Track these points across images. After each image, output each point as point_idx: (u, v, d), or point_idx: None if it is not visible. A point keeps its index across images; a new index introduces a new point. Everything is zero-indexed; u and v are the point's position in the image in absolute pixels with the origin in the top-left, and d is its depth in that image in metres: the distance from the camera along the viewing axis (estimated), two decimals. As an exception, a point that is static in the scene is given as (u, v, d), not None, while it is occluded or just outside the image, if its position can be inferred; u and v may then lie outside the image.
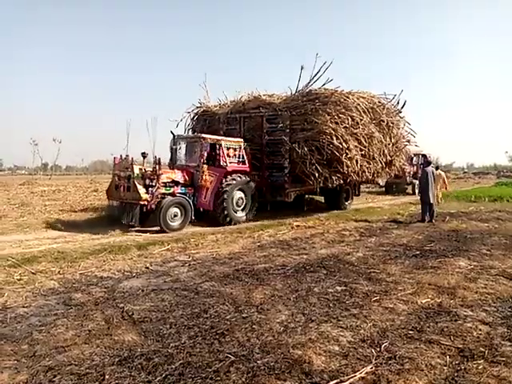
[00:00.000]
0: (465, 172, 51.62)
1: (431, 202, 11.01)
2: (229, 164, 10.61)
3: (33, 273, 5.66)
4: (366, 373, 3.06)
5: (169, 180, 9.70)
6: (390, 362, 3.26)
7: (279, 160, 11.67)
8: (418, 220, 11.28)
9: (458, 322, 4.12)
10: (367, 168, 12.37)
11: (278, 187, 11.66)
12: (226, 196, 10.16)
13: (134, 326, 3.90)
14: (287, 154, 11.43)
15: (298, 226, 10.06)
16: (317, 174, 11.16)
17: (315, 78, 11.86)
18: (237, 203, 10.62)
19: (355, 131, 11.68)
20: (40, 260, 6.28)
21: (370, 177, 13.04)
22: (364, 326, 3.98)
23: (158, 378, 2.96)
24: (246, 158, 11.11)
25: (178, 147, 11.23)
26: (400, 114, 14.39)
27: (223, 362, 3.20)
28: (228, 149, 10.72)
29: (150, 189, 9.15)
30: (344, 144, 11.18)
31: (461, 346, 3.57)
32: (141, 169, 9.32)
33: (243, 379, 2.95)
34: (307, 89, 11.95)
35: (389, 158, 13.41)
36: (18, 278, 5.43)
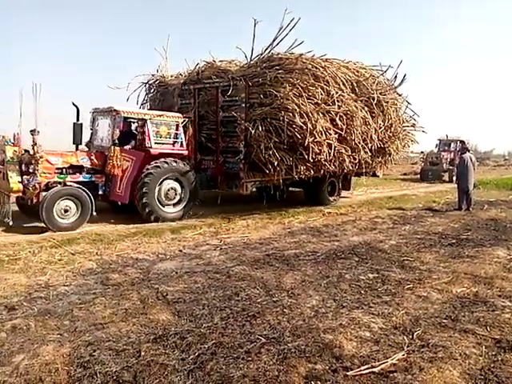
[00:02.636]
0: (506, 159, 49.26)
1: (469, 189, 10.64)
2: (154, 145, 8.38)
3: (72, 253, 5.93)
4: (398, 359, 3.04)
5: (66, 165, 7.75)
6: (422, 349, 3.22)
7: (235, 143, 9.47)
8: (454, 208, 10.92)
9: (495, 312, 4.00)
10: (348, 156, 9.96)
11: (233, 176, 9.56)
12: (145, 187, 8.04)
13: (168, 306, 4.03)
14: (243, 135, 9.13)
15: (329, 212, 9.98)
16: (275, 162, 8.89)
17: (278, 39, 9.26)
18: (167, 196, 8.48)
19: (328, 108, 9.37)
20: (79, 241, 6.55)
21: (354, 167, 10.54)
22: (396, 313, 3.94)
23: (192, 357, 3.06)
24: (183, 138, 8.96)
25: (96, 124, 9.09)
26: (397, 91, 11.65)
27: (254, 343, 3.26)
28: (158, 126, 8.54)
29: (25, 177, 7.28)
30: (309, 124, 8.82)
31: (498, 336, 3.48)
32: (16, 151, 7.36)
33: (274, 361, 3.00)
34: (268, 53, 9.46)
35: (379, 144, 10.78)
36: (59, 258, 5.71)
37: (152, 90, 11.55)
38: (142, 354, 3.09)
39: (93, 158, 8.13)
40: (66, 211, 7.38)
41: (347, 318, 3.80)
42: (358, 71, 10.58)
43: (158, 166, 8.22)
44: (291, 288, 4.61)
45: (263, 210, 9.89)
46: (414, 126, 12.47)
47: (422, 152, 23.56)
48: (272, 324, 3.65)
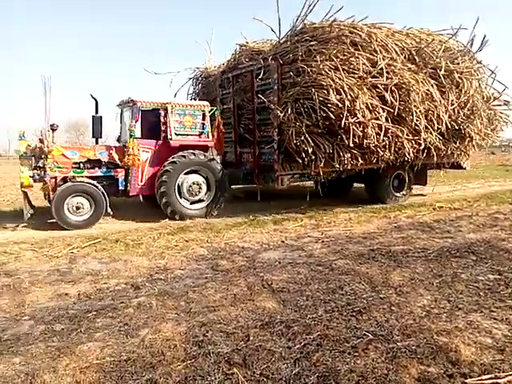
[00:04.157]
0: None
1: None
2: (174, 136, 7.98)
3: (186, 240, 6.43)
4: (528, 373, 2.72)
5: (83, 159, 7.62)
6: (559, 364, 2.83)
7: (269, 131, 8.53)
8: None
9: None
10: (409, 141, 8.38)
11: (268, 169, 8.63)
12: (165, 176, 7.71)
13: (274, 295, 4.14)
14: (276, 121, 8.16)
15: (440, 207, 9.25)
16: (309, 149, 7.70)
17: (311, 6, 7.94)
18: (189, 191, 8.02)
19: (374, 82, 7.89)
20: (191, 230, 7.09)
21: (420, 155, 8.84)
22: (524, 320, 3.52)
23: (297, 346, 3.11)
24: (209, 128, 8.40)
25: (123, 116, 8.82)
26: (477, 58, 9.36)
27: (361, 339, 3.19)
28: (181, 116, 8.08)
29: (35, 171, 7.29)
30: (347, 101, 7.46)
31: None
32: (29, 146, 7.34)
33: (382, 358, 2.91)
34: (301, 23, 8.24)
35: (452, 125, 8.94)
36: (175, 244, 6.24)
37: (197, 83, 11.38)
38: (251, 338, 3.23)
39: (112, 152, 7.86)
40: (77, 208, 7.27)
41: (464, 321, 3.50)
42: (418, 37, 8.93)
43: (184, 156, 7.89)
44: (399, 285, 4.40)
45: (366, 203, 9.55)
46: (506, 103, 10.26)
47: (555, 139, 20.54)
48: (379, 321, 3.53)
